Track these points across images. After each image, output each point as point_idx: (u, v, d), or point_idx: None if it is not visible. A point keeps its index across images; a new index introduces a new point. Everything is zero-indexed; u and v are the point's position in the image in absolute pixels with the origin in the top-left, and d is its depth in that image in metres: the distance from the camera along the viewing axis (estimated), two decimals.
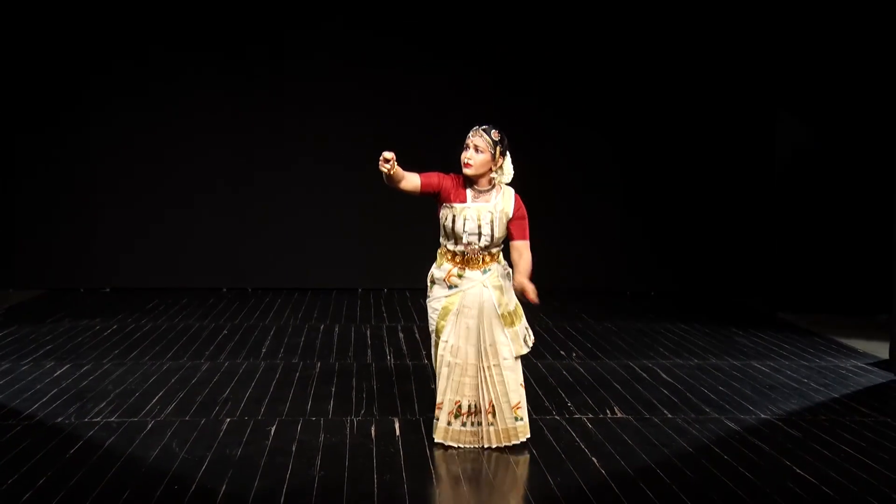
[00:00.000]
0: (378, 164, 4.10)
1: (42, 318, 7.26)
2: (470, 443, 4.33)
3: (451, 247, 4.35)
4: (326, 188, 8.80)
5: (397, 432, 4.59)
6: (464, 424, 4.33)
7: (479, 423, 4.31)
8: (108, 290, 8.67)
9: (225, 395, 5.19)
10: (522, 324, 4.36)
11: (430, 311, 4.38)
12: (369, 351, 6.37)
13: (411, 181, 4.28)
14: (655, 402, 5.21)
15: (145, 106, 8.59)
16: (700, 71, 8.84)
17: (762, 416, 4.98)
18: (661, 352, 6.49)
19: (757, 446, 4.48)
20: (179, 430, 4.54)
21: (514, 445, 4.36)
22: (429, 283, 4.43)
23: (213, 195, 8.71)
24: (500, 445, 4.31)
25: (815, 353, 6.53)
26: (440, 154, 8.85)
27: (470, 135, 4.27)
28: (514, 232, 4.32)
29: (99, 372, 5.63)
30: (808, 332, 7.24)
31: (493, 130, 4.26)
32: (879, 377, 5.86)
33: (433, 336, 4.38)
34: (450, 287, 4.32)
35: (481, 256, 4.31)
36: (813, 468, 4.20)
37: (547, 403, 5.15)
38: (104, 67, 8.51)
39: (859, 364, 6.19)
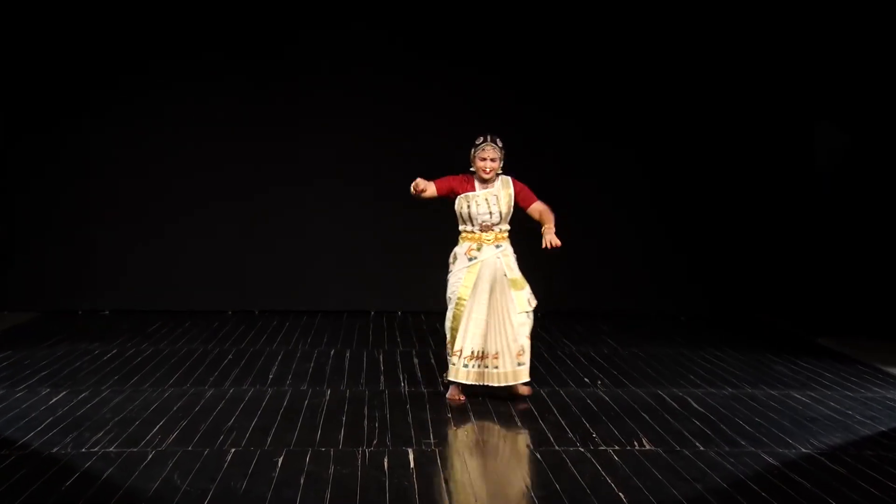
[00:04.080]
0: (410, 188, 5.56)
1: (38, 341, 7.29)
2: (475, 380, 5.57)
3: (468, 229, 5.71)
4: (338, 205, 8.83)
5: (411, 464, 4.56)
6: (465, 366, 5.56)
7: (486, 367, 5.57)
8: (107, 312, 8.71)
9: (230, 424, 5.18)
10: (527, 289, 5.66)
11: (452, 279, 5.67)
12: (382, 377, 6.35)
13: (431, 191, 5.71)
14: (686, 433, 5.15)
15: (146, 117, 8.67)
16: (731, 80, 8.83)
17: (802, 450, 4.92)
18: (693, 380, 6.43)
19: (797, 483, 4.42)
20: (181, 462, 4.53)
21: (524, 468, 4.34)
22: (451, 261, 5.74)
23: (219, 212, 8.75)
24: (500, 385, 5.60)
25: (860, 382, 6.45)
26: (459, 171, 8.95)
27: (483, 147, 5.62)
28: (524, 201, 5.68)
29: (97, 399, 5.63)
30: (851, 359, 7.16)
31: (498, 139, 5.63)
32: None
33: (451, 301, 5.64)
34: (469, 259, 5.64)
35: (493, 234, 5.65)
36: None
37: (570, 434, 5.11)
38: (101, 79, 8.59)
39: None
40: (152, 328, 7.92)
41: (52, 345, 7.18)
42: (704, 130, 8.90)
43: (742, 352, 7.37)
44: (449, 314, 5.69)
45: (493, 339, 5.60)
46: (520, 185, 5.74)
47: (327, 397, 5.78)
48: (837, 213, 8.06)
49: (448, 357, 5.72)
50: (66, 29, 8.52)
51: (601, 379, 6.38)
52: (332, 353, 7.11)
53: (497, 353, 5.60)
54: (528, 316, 5.65)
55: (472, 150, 5.66)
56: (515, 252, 5.74)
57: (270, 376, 6.32)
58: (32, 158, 8.61)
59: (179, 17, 8.60)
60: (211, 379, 6.21)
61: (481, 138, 5.64)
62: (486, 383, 5.61)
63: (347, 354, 7.06)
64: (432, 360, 6.87)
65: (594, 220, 8.72)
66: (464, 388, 5.67)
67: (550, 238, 5.50)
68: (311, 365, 6.68)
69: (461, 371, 5.58)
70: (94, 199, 8.66)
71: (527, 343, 5.66)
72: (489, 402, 5.69)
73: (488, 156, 5.59)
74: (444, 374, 5.81)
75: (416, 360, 6.88)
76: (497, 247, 5.67)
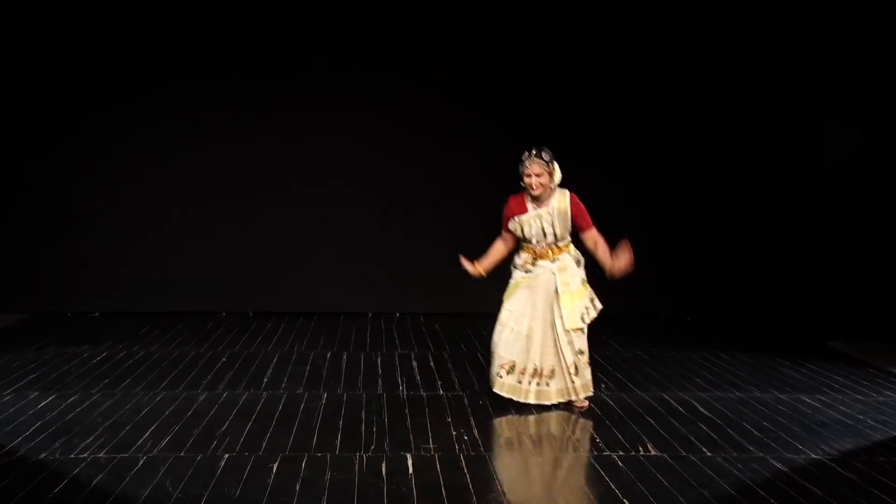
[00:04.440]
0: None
1: (26, 344, 7.29)
2: (513, 395, 5.58)
3: (526, 242, 5.63)
4: (335, 205, 8.82)
5: (410, 469, 4.56)
6: (516, 380, 5.59)
7: (538, 384, 5.57)
8: (97, 314, 8.70)
9: (223, 428, 5.18)
10: (583, 302, 5.55)
11: (508, 289, 5.69)
12: (380, 381, 6.35)
13: (506, 247, 5.75)
14: (693, 438, 5.16)
15: (138, 116, 8.64)
16: (739, 78, 8.82)
17: (812, 455, 4.92)
18: (699, 383, 6.44)
19: (806, 489, 4.42)
20: (173, 467, 4.53)
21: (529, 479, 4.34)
22: (511, 270, 5.74)
23: (213, 211, 8.74)
24: (562, 401, 5.58)
25: (871, 385, 6.45)
26: (458, 172, 8.96)
27: (527, 164, 5.44)
28: (579, 224, 5.55)
29: (87, 403, 5.63)
30: (861, 362, 7.16)
31: (543, 151, 5.43)
32: None
33: (502, 310, 5.66)
34: (525, 272, 5.64)
35: (550, 250, 5.58)
36: None
37: (574, 439, 5.11)
38: (94, 79, 8.55)
39: None
40: (143, 330, 7.91)
41: (40, 347, 7.17)
42: (711, 129, 8.88)
43: (750, 354, 7.37)
44: (499, 322, 5.72)
45: (542, 356, 5.56)
46: (577, 205, 5.56)
47: (324, 401, 5.78)
48: (848, 214, 8.05)
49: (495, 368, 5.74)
50: (60, 27, 8.47)
51: (604, 382, 6.37)
52: (328, 355, 7.11)
53: (552, 371, 5.58)
54: (579, 332, 5.56)
55: (519, 166, 5.51)
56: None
57: (265, 380, 6.31)
58: (22, 158, 8.58)
59: (174, 15, 8.56)
60: (204, 382, 6.20)
61: (526, 153, 5.47)
62: (540, 401, 5.59)
63: (344, 357, 7.06)
64: (431, 363, 6.88)
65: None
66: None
67: (630, 255, 5.50)
68: (307, 368, 6.67)
69: (507, 385, 5.63)
70: (85, 199, 8.64)
71: (580, 360, 5.56)
72: (490, 406, 5.69)
73: (533, 171, 5.43)
74: (493, 389, 5.75)
75: (414, 364, 6.88)
76: (554, 261, 5.60)
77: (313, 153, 8.80)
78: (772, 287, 8.89)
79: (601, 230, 5.74)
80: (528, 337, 5.58)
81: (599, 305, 5.65)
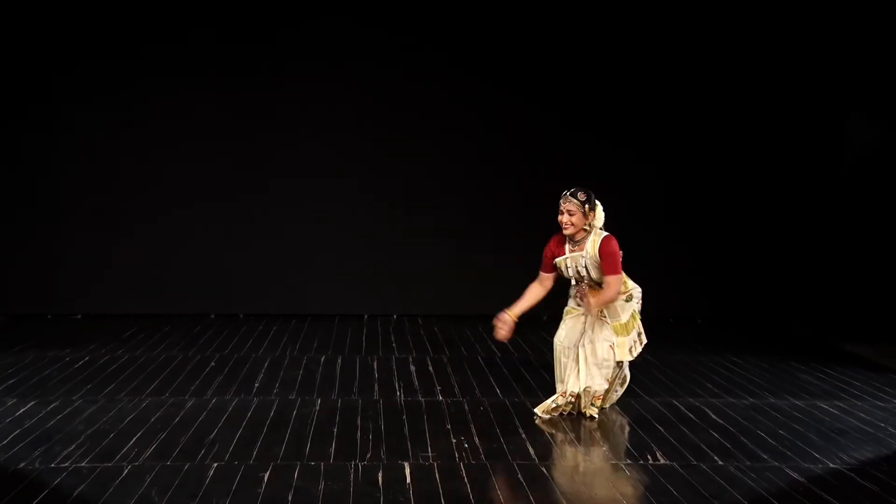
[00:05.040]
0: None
1: (4, 347, 7.27)
2: (554, 412, 5.68)
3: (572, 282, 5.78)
4: (329, 203, 8.82)
5: (408, 479, 4.56)
6: (567, 406, 5.69)
7: (571, 403, 5.68)
8: (78, 316, 8.69)
9: (212, 436, 5.17)
10: (631, 336, 5.73)
11: (563, 319, 5.81)
12: (376, 386, 6.35)
13: (543, 289, 5.74)
14: (704, 446, 5.15)
15: (120, 110, 8.62)
16: (754, 72, 8.82)
17: (830, 465, 4.91)
18: (710, 388, 6.43)
19: (824, 500, 4.41)
20: (160, 477, 4.52)
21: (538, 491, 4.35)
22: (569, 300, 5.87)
23: (201, 210, 8.73)
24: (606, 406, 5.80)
25: (893, 391, 6.45)
26: (458, 171, 8.95)
27: (561, 202, 5.53)
28: (603, 268, 5.57)
29: (68, 410, 5.62)
30: (882, 367, 7.15)
31: (579, 192, 5.53)
32: None
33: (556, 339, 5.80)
34: (576, 304, 5.78)
35: (594, 287, 5.66)
36: None
37: (580, 447, 5.10)
38: (71, 71, 8.52)
39: None
40: (128, 333, 7.90)
41: (19, 351, 7.16)
42: (723, 123, 8.88)
43: (764, 358, 7.36)
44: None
45: (574, 381, 5.63)
46: (607, 247, 5.56)
47: (317, 407, 5.77)
48: (868, 210, 8.04)
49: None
50: (32, 13, 8.46)
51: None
52: (322, 359, 7.10)
53: (595, 397, 5.69)
54: (617, 365, 5.69)
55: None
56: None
57: (256, 385, 6.31)
58: None
59: (154, 1, 8.56)
60: (192, 388, 6.19)
61: (565, 191, 5.55)
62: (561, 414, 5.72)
63: (339, 361, 7.05)
64: (430, 368, 6.87)
65: (605, 216, 8.70)
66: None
67: (589, 307, 5.59)
68: (300, 372, 6.66)
69: (551, 409, 5.68)
70: (65, 195, 8.63)
71: (602, 388, 5.65)
72: (491, 413, 5.69)
73: (566, 209, 5.52)
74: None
75: (412, 368, 6.87)
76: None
77: (308, 149, 8.80)
78: (787, 287, 8.89)
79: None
80: (571, 365, 5.66)
81: (645, 340, 5.80)
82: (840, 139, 8.23)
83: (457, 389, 6.28)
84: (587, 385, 5.60)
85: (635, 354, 5.73)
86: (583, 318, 5.70)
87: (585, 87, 8.81)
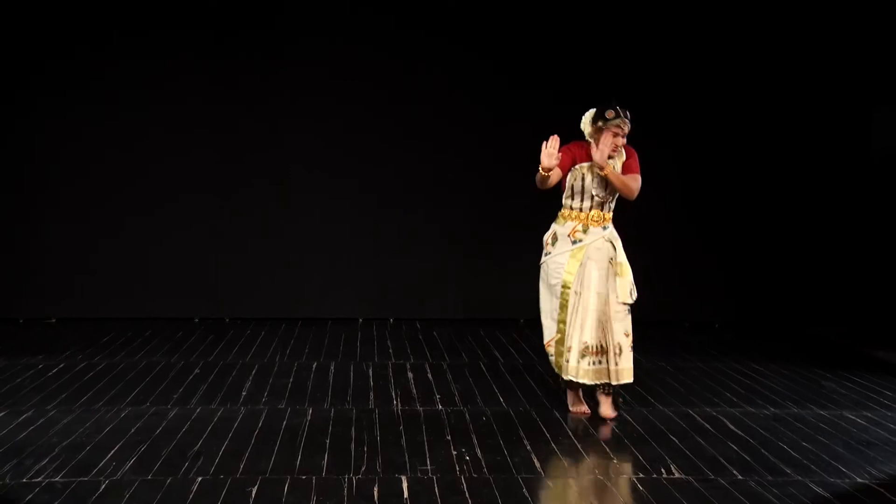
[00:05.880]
0: (543, 159, 5.43)
1: None
2: (593, 380, 5.69)
3: (578, 206, 5.75)
4: (322, 199, 8.83)
5: (405, 493, 4.55)
6: (591, 364, 5.67)
7: (604, 363, 5.67)
8: (53, 320, 8.69)
9: (196, 448, 5.16)
10: (629, 277, 5.72)
11: (552, 265, 5.77)
12: (372, 394, 6.34)
13: (557, 174, 5.60)
14: (722, 459, 5.14)
15: (97, 101, 8.62)
16: (776, 62, 8.83)
17: (858, 479, 4.90)
18: (729, 397, 6.43)
19: None
20: (140, 492, 4.50)
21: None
22: (550, 241, 5.82)
23: (185, 207, 8.73)
24: (615, 383, 5.71)
25: None
26: (459, 170, 8.94)
27: (618, 122, 5.58)
28: (631, 166, 5.73)
29: (41, 420, 5.61)
30: None
31: (628, 110, 5.62)
32: None
33: (553, 289, 5.75)
34: (574, 242, 5.72)
35: (602, 215, 5.75)
36: None
37: (588, 460, 5.10)
38: (45, 56, 8.50)
39: None
40: (106, 338, 7.90)
41: None
42: (745, 120, 8.89)
43: (786, 365, 7.36)
44: (550, 305, 5.81)
45: (607, 332, 5.67)
46: (631, 151, 5.80)
47: (309, 417, 5.76)
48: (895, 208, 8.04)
49: (551, 357, 5.85)
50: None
51: (623, 396, 6.35)
52: (314, 366, 7.10)
53: (611, 347, 5.71)
54: (627, 311, 5.74)
55: (599, 121, 5.64)
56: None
57: (243, 393, 6.30)
58: None
59: None
60: (174, 396, 6.18)
61: (612, 112, 5.60)
62: (602, 381, 5.72)
63: (332, 368, 7.05)
64: (429, 375, 6.87)
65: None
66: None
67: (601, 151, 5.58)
68: (290, 380, 6.66)
69: (581, 369, 5.68)
70: (37, 191, 8.62)
71: (625, 341, 5.71)
72: (493, 423, 5.68)
73: (622, 131, 5.62)
74: (559, 379, 5.86)
75: (410, 375, 6.87)
76: (604, 228, 5.77)
77: (300, 142, 8.81)
78: (812, 289, 8.89)
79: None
80: (584, 312, 5.67)
81: (636, 294, 5.83)
82: (868, 133, 8.23)
83: (457, 398, 6.28)
84: (619, 338, 5.63)
85: (634, 297, 5.78)
86: (589, 260, 5.67)
87: (603, 80, 8.77)
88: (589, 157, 5.65)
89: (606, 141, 5.56)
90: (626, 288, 5.71)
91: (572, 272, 5.71)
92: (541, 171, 5.47)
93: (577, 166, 5.69)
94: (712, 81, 8.84)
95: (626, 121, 5.61)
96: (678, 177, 8.88)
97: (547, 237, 5.87)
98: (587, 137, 5.74)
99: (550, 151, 5.43)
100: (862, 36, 8.37)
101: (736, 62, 8.83)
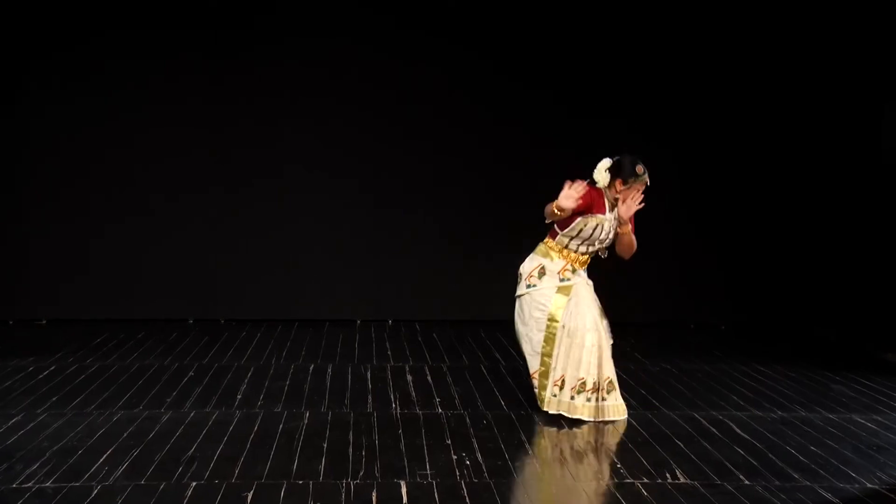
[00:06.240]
0: (562, 201, 5.51)
1: None
2: (590, 416, 5.76)
3: (574, 247, 5.87)
4: (320, 198, 8.82)
5: (404, 498, 4.54)
6: (588, 399, 5.76)
7: (601, 399, 5.78)
8: (43, 321, 8.68)
9: (190, 452, 5.16)
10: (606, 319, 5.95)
11: (537, 297, 5.88)
12: (370, 397, 6.34)
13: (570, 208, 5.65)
14: (728, 464, 5.14)
15: (89, 96, 8.60)
16: (781, 59, 8.82)
17: (868, 485, 4.90)
18: (735, 401, 6.42)
19: None
20: (133, 497, 4.50)
21: None
22: (535, 274, 5.91)
23: (179, 204, 8.72)
24: (615, 419, 5.81)
25: None
26: (459, 169, 8.93)
27: (640, 182, 5.69)
28: (630, 227, 5.85)
29: (31, 424, 5.60)
30: None
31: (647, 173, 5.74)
32: None
33: (537, 321, 5.84)
34: (561, 280, 5.87)
35: (588, 259, 5.95)
36: None
37: (591, 465, 5.09)
38: (36, 51, 8.48)
39: None
40: (98, 340, 7.89)
41: None
42: (750, 120, 8.89)
43: (793, 368, 7.36)
44: (536, 337, 5.88)
45: (598, 369, 5.80)
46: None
47: (306, 421, 5.76)
48: None
49: (536, 389, 5.94)
50: None
51: (627, 400, 6.34)
52: (311, 368, 7.09)
53: (610, 383, 5.86)
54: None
55: (622, 174, 5.70)
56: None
57: (238, 396, 6.30)
58: None
59: None
60: (168, 400, 6.18)
61: (642, 168, 5.70)
62: (604, 418, 5.80)
63: (329, 370, 7.05)
64: (428, 378, 6.87)
65: None
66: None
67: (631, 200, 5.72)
68: (287, 383, 6.66)
69: (575, 405, 5.78)
70: (27, 189, 8.60)
71: (614, 377, 5.91)
72: (495, 427, 5.68)
73: (640, 188, 5.73)
74: (548, 409, 5.90)
75: (409, 378, 6.87)
76: (585, 271, 6.00)
77: (299, 142, 8.79)
78: (820, 290, 8.88)
79: None
80: (580, 349, 5.77)
81: None
82: (877, 133, 8.22)
83: (457, 401, 6.28)
84: (608, 376, 5.83)
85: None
86: (580, 299, 5.81)
87: (603, 79, 8.81)
88: (603, 208, 5.77)
89: (637, 198, 5.68)
90: (609, 329, 5.94)
91: (560, 306, 5.82)
92: (555, 209, 5.55)
93: (593, 215, 5.76)
94: (716, 81, 8.83)
95: (646, 180, 5.74)
96: (682, 177, 8.86)
97: (531, 269, 5.94)
98: (600, 185, 5.79)
99: (572, 194, 5.52)
100: (869, 34, 8.36)
101: (741, 61, 8.82)
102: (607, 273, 8.35)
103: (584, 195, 5.63)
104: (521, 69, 8.77)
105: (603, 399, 5.80)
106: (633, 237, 5.85)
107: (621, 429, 5.72)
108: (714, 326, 8.94)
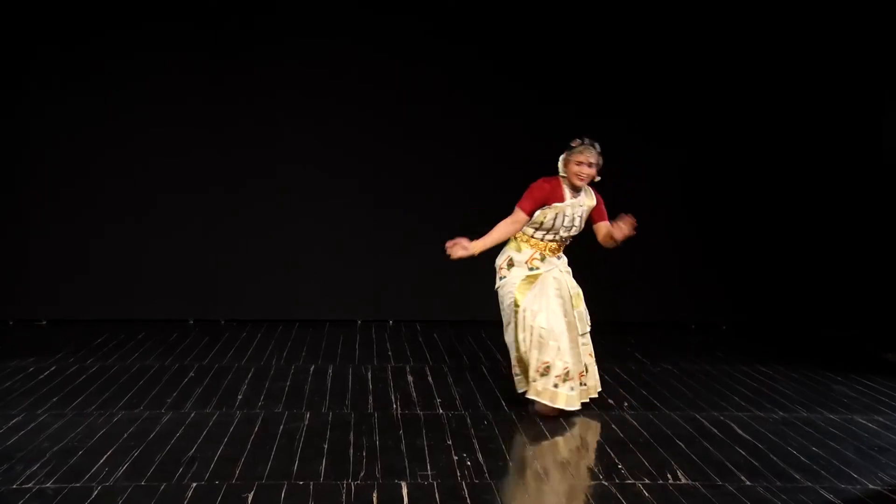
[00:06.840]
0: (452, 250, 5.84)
1: None
2: (577, 405, 5.86)
3: (539, 237, 5.92)
4: (320, 198, 8.82)
5: (405, 499, 4.54)
6: (572, 389, 5.84)
7: (572, 388, 5.83)
8: (43, 322, 8.68)
9: (190, 453, 5.16)
10: (583, 305, 6.01)
11: (509, 288, 5.93)
12: (371, 398, 6.34)
13: (515, 230, 5.91)
14: (730, 465, 5.14)
15: (89, 94, 8.59)
16: (782, 62, 8.81)
17: (869, 486, 4.90)
18: (737, 401, 6.42)
19: None
20: (133, 498, 4.50)
21: None
22: (505, 266, 6.00)
23: (179, 206, 8.72)
24: (591, 398, 6.05)
25: None
26: (459, 168, 8.92)
27: (581, 151, 5.77)
28: (596, 216, 5.98)
29: (32, 425, 5.60)
30: None
31: (596, 143, 5.81)
32: None
33: (513, 313, 5.89)
34: (530, 269, 5.91)
35: (560, 246, 5.98)
36: None
37: (592, 466, 5.09)
38: (35, 50, 8.48)
39: None
40: (98, 340, 7.89)
41: None
42: (751, 120, 8.87)
43: (795, 368, 7.36)
44: (510, 326, 5.96)
45: (573, 356, 5.88)
46: (600, 197, 6.01)
47: (306, 422, 5.76)
48: None
49: (517, 376, 6.02)
50: None
51: (628, 400, 6.36)
52: (311, 369, 7.09)
53: (585, 369, 6.00)
54: (588, 335, 6.04)
55: (566, 153, 5.85)
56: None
57: (239, 397, 6.30)
58: None
59: None
60: (168, 400, 6.18)
61: (578, 140, 5.81)
62: (573, 406, 5.88)
63: (330, 371, 7.05)
64: (429, 378, 6.86)
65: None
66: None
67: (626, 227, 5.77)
68: (287, 383, 6.66)
69: (562, 394, 5.81)
70: (27, 189, 8.60)
71: (590, 360, 6.05)
72: (496, 427, 5.68)
73: (586, 160, 5.78)
74: (526, 395, 5.95)
75: (410, 378, 6.86)
76: (559, 258, 6.02)
77: (299, 142, 8.78)
78: (821, 290, 8.88)
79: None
80: (556, 336, 5.82)
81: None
82: (878, 133, 8.22)
83: (458, 402, 6.27)
84: (584, 362, 5.98)
85: (589, 323, 6.11)
86: (547, 288, 5.85)
87: (603, 79, 8.80)
88: (562, 197, 5.82)
89: (630, 223, 5.73)
90: (584, 318, 6.01)
91: (524, 292, 5.87)
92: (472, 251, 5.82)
93: (550, 206, 5.82)
94: (716, 81, 8.82)
95: (594, 151, 5.79)
96: (683, 176, 8.88)
97: (501, 262, 6.04)
98: (562, 173, 5.89)
99: (457, 251, 5.86)
100: (869, 34, 8.36)
101: (741, 61, 8.81)
102: (608, 273, 8.45)
103: (538, 188, 5.80)
104: (521, 69, 8.77)
105: (582, 384, 5.94)
106: (612, 229, 5.85)
107: (622, 429, 5.72)
108: (715, 326, 8.95)
